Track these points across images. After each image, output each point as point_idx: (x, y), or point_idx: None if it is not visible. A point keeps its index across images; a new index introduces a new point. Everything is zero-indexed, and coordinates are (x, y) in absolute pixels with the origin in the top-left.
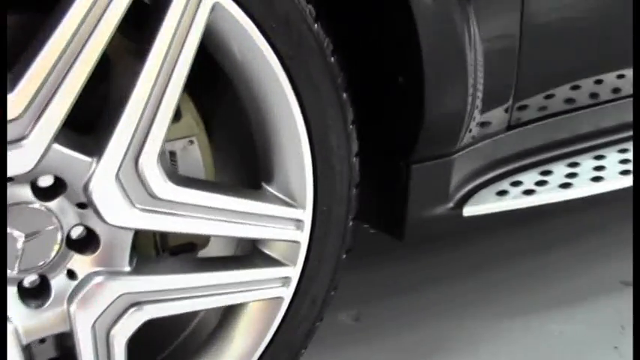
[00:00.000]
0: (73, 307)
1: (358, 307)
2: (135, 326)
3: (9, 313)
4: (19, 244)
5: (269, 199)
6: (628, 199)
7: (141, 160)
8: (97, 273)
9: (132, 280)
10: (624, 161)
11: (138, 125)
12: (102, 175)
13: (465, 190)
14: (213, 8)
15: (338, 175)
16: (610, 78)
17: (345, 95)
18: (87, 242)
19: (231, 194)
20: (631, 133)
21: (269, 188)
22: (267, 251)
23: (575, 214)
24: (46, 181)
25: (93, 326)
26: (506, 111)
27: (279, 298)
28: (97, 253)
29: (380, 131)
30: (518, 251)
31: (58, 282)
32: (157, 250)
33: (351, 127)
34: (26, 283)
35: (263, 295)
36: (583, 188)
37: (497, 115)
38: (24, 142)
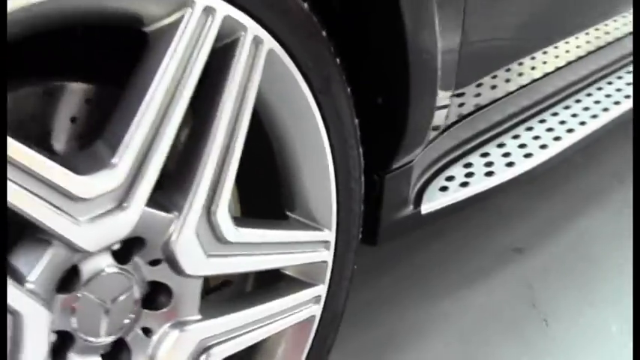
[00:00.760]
0: None
1: None
2: None
3: None
4: (103, 312)
5: (300, 226)
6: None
7: (212, 208)
8: (173, 326)
9: (204, 326)
10: (522, 145)
11: (214, 177)
12: (183, 230)
13: (416, 191)
14: (268, 53)
15: (353, 194)
16: None
17: (357, 121)
18: (158, 297)
19: (277, 228)
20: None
21: (294, 215)
22: (294, 274)
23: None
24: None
25: None
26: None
27: (313, 317)
28: (169, 307)
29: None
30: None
31: (135, 341)
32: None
33: (360, 149)
34: (106, 349)
35: (302, 316)
36: (501, 174)
37: (441, 117)
38: (126, 210)
